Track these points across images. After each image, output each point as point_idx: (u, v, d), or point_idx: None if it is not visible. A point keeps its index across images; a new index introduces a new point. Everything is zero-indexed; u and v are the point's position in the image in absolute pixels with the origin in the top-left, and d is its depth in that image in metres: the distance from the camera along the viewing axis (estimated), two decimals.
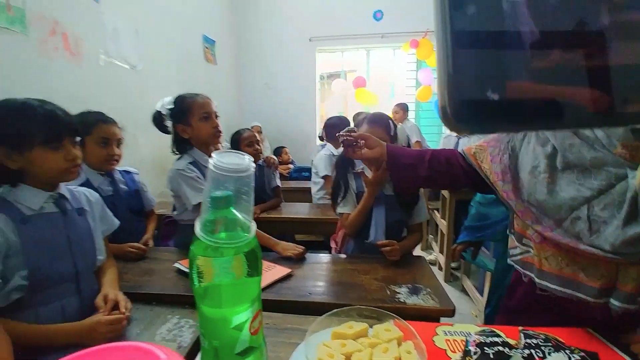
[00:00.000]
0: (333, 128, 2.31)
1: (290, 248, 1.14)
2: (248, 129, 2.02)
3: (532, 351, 0.55)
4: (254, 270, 0.46)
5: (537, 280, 0.67)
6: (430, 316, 0.79)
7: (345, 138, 0.91)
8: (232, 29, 3.64)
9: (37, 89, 1.29)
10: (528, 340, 0.58)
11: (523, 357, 0.52)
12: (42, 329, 0.75)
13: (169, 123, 1.31)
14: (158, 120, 1.31)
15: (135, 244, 1.19)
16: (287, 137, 3.69)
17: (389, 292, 0.87)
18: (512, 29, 0.17)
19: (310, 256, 1.13)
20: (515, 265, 0.74)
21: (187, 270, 1.00)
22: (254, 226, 0.45)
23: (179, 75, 2.41)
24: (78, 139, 0.85)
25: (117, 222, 1.04)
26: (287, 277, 0.96)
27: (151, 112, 1.31)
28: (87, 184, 1.25)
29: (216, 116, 1.33)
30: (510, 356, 0.52)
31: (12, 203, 0.79)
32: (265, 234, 1.25)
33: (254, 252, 0.45)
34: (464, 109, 0.17)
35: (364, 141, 0.89)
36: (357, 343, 0.59)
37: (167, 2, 2.25)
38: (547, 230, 0.63)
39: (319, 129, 3.37)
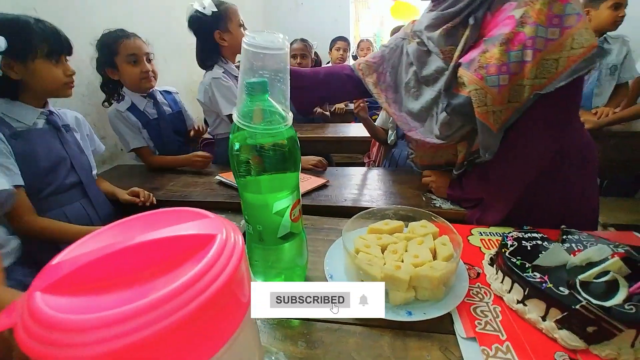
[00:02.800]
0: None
1: (311, 159, 1.15)
2: (300, 39, 2.12)
3: (572, 245, 0.55)
4: (293, 160, 0.46)
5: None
6: (467, 223, 0.79)
7: None
8: None
9: (64, 7, 1.27)
10: (569, 237, 0.57)
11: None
12: (82, 229, 0.84)
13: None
14: (196, 23, 1.26)
15: (200, 152, 1.23)
16: (321, 59, 3.44)
17: (424, 199, 0.88)
18: None
19: (346, 169, 1.14)
20: (411, 163, 1.00)
21: (228, 181, 1.05)
22: (290, 116, 0.44)
23: None
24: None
25: (103, 146, 1.12)
26: (323, 187, 0.99)
27: (178, 35, 1.27)
28: (132, 107, 1.27)
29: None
30: (548, 248, 0.52)
31: (2, 118, 0.83)
32: None
33: (292, 140, 0.45)
34: None
35: None
36: (393, 237, 0.61)
37: None
38: (413, 131, 0.82)
39: (353, 49, 3.11)
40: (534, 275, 0.45)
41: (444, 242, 0.57)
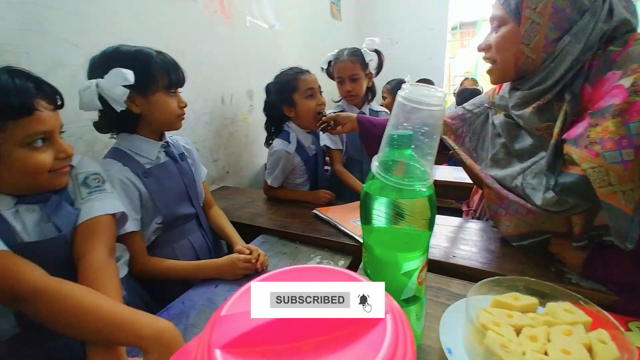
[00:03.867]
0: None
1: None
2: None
3: None
4: (429, 220, 0.42)
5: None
6: (618, 312, 0.63)
7: (320, 127, 1.17)
8: None
9: (204, 49, 1.49)
10: None
11: None
12: (188, 265, 0.82)
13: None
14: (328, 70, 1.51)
15: (328, 191, 1.28)
16: None
17: (553, 270, 0.74)
18: None
19: (449, 219, 1.05)
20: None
21: (325, 217, 1.06)
22: (433, 174, 0.41)
23: (306, 33, 2.46)
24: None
25: (205, 170, 1.08)
26: None
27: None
28: (299, 145, 1.32)
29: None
30: None
31: (131, 155, 0.83)
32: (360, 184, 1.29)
33: (431, 199, 0.42)
34: None
35: (333, 122, 1.13)
36: (528, 318, 0.51)
37: None
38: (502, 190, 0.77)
39: (444, 85, 3.03)
40: None
41: (603, 339, 0.45)
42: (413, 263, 0.43)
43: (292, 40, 2.25)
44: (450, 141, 0.93)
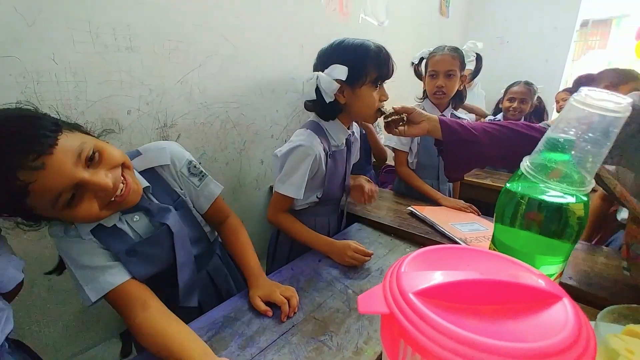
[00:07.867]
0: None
1: (454, 203, 1.18)
2: (524, 82, 1.89)
3: None
4: (579, 230, 0.42)
5: None
6: None
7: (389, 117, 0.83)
8: None
9: (320, 45, 1.59)
10: None
11: None
12: (311, 233, 0.90)
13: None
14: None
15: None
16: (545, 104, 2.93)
17: None
18: None
19: None
20: None
21: (421, 215, 1.07)
22: (592, 183, 0.41)
23: (413, 31, 2.43)
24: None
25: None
26: None
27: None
28: None
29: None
30: None
31: (326, 135, 0.90)
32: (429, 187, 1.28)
33: (585, 209, 0.41)
34: None
35: (405, 114, 0.81)
36: None
37: None
38: None
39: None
40: None
41: None
42: (551, 268, 0.44)
43: (399, 37, 2.25)
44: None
